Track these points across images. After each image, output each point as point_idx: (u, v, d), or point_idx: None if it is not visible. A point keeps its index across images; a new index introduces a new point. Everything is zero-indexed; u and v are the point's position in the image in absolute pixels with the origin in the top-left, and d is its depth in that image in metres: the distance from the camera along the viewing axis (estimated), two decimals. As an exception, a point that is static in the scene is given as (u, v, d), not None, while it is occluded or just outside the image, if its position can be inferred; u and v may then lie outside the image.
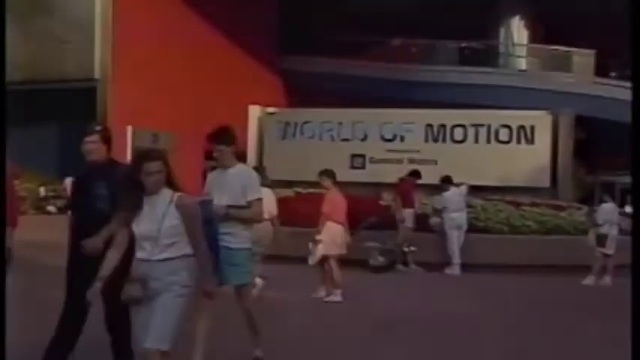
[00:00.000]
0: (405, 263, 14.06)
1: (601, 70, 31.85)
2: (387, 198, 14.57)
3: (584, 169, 27.88)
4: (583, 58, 32.27)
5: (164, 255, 4.60)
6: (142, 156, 4.73)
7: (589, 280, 12.92)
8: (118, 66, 28.51)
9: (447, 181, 14.63)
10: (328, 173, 11.08)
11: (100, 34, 28.92)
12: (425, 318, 9.35)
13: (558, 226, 14.78)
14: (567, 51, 32.67)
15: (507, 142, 18.20)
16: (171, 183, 4.71)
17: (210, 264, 4.99)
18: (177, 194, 4.68)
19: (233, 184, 6.10)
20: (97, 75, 29.09)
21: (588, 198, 27.25)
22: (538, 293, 12.02)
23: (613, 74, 32.50)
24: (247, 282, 6.25)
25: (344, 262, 13.47)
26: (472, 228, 14.31)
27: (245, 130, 19.80)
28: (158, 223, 4.59)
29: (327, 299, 10.40)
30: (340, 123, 19.06)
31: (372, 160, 18.62)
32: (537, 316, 10.15)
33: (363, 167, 18.66)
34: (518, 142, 18.17)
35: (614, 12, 30.90)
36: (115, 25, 28.47)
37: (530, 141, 18.17)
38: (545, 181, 18.09)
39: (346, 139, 18.94)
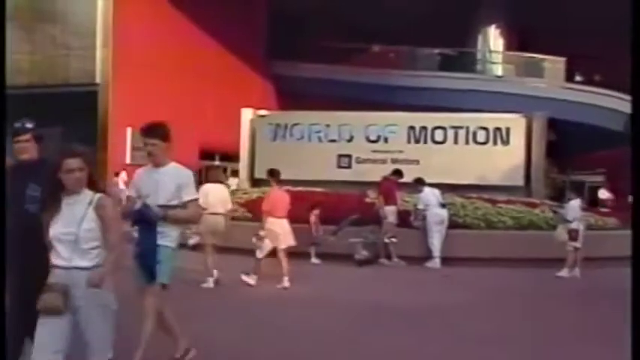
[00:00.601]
0: (389, 257, 14.02)
1: (570, 76, 32.00)
2: (371, 196, 14.55)
3: (556, 169, 28.00)
4: (554, 64, 32.42)
5: (84, 263, 4.06)
6: (62, 153, 4.24)
7: (563, 272, 12.91)
8: (118, 71, 28.46)
9: (419, 182, 14.64)
10: (272, 172, 11.43)
11: (101, 41, 28.92)
12: (407, 307, 9.31)
13: (532, 222, 14.79)
14: (539, 58, 32.79)
15: (484, 144, 18.17)
16: (93, 183, 4.22)
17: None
18: (98, 195, 4.18)
19: (166, 183, 5.48)
20: (98, 79, 29.08)
21: (559, 196, 27.35)
22: (513, 284, 12.03)
23: (578, 79, 32.62)
24: (166, 282, 5.49)
25: (332, 256, 13.52)
26: (452, 224, 14.31)
27: (238, 132, 19.71)
28: (75, 225, 4.06)
29: (278, 286, 10.53)
30: (328, 125, 18.98)
31: (358, 160, 18.55)
32: (513, 304, 10.19)
33: (349, 167, 18.60)
34: (495, 143, 18.15)
35: (582, 22, 31.00)
36: (115, 33, 28.45)
37: (506, 142, 18.15)
38: (520, 180, 18.08)
39: (333, 141, 18.87)
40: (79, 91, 28.55)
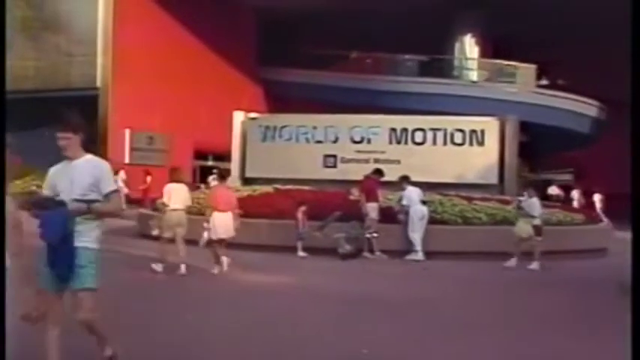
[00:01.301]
0: (371, 251, 14.00)
1: (540, 82, 32.16)
2: (355, 193, 14.51)
3: (527, 168, 28.08)
4: (525, 71, 32.53)
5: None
6: None
7: (535, 265, 12.92)
8: (117, 77, 28.40)
9: (405, 180, 14.62)
10: (220, 173, 12.27)
11: (102, 48, 28.94)
12: (388, 297, 9.29)
13: (505, 217, 14.79)
14: (511, 65, 32.89)
15: (461, 145, 18.17)
16: None
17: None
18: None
19: (82, 176, 4.81)
20: (98, 84, 29.09)
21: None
22: (488, 276, 12.06)
23: (547, 84, 32.76)
24: (92, 286, 4.75)
25: (318, 250, 13.48)
26: (431, 220, 14.28)
27: (230, 133, 19.65)
28: None
29: (213, 271, 10.96)
30: (314, 127, 18.91)
31: (343, 160, 18.49)
32: (487, 294, 10.22)
33: (334, 166, 18.53)
34: (471, 144, 18.15)
35: (552, 32, 31.14)
36: (115, 42, 28.45)
37: (481, 143, 18.16)
38: (494, 179, 18.10)
39: (319, 141, 18.80)
40: (80, 95, 28.63)
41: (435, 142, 18.29)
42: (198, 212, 12.63)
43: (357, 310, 8.51)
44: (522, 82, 32.20)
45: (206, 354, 6.16)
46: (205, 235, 11.17)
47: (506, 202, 15.67)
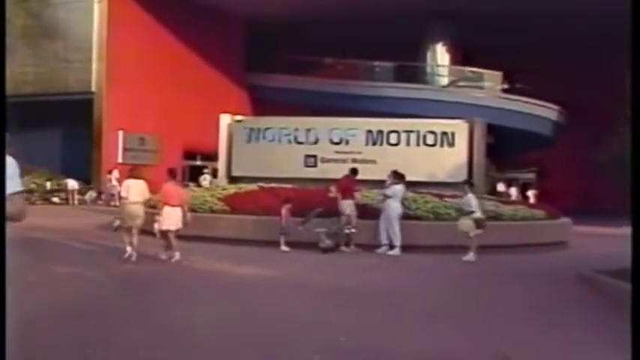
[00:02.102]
0: (347, 244, 14.00)
1: (506, 87, 32.36)
2: (334, 191, 14.50)
3: (494, 168, 28.27)
4: (491, 77, 32.73)
5: None
6: None
7: (469, 257, 12.81)
8: (112, 81, 28.34)
9: (396, 175, 14.37)
10: (170, 171, 12.70)
11: (97, 55, 28.94)
12: (364, 287, 9.32)
13: (473, 213, 14.85)
14: (479, 72, 33.08)
15: (433, 145, 18.23)
16: None
17: None
18: None
19: None
20: (93, 89, 29.04)
21: (496, 190, 27.69)
22: (459, 267, 12.13)
23: (513, 89, 32.92)
24: None
25: (300, 244, 13.46)
26: (405, 216, 14.27)
27: (217, 135, 19.59)
28: None
29: (164, 256, 11.38)
30: (296, 129, 18.88)
31: (323, 160, 18.48)
32: (457, 284, 10.29)
33: (315, 166, 18.52)
34: (442, 145, 18.21)
35: (517, 41, 31.36)
36: (109, 49, 28.41)
37: (451, 144, 18.23)
38: (463, 177, 18.11)
39: (301, 143, 18.77)
40: (77, 99, 28.64)
41: (408, 143, 18.33)
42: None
43: (335, 298, 8.52)
44: (489, 87, 32.45)
45: (188, 343, 6.15)
46: (156, 226, 11.76)
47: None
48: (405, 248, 13.67)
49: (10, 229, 3.04)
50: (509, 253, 13.46)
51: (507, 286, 10.15)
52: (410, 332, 6.80)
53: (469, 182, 14.42)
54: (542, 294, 9.46)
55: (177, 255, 11.36)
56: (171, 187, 11.90)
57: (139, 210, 11.52)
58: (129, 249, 11.37)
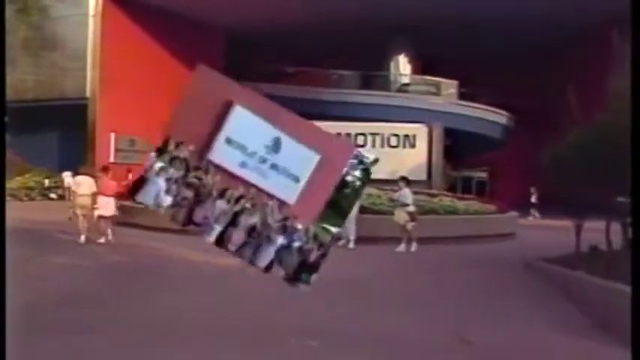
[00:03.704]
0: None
1: (461, 95, 32.56)
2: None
3: (450, 167, 28.49)
4: (448, 85, 32.96)
5: None
6: None
7: (401, 248, 12.65)
8: (104, 87, 28.39)
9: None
10: (103, 168, 13.72)
11: (91, 63, 29.33)
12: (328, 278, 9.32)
13: (432, 209, 15.01)
14: (437, 80, 33.30)
15: (396, 147, 18.42)
16: None
17: None
18: None
19: None
20: (88, 94, 29.40)
21: (452, 187, 27.92)
22: (418, 257, 12.20)
23: (460, 93, 33.06)
24: None
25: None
26: (370, 211, 14.21)
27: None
28: None
29: (99, 241, 12.40)
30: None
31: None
32: (415, 273, 10.34)
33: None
34: (404, 146, 18.41)
35: (471, 53, 31.68)
36: (102, 58, 28.57)
37: (413, 146, 18.43)
38: (423, 176, 18.38)
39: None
40: (73, 104, 28.95)
41: (374, 145, 18.49)
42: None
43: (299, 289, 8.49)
44: (446, 94, 32.61)
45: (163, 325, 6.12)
46: (95, 213, 12.69)
47: (433, 196, 15.87)
48: (367, 240, 13.29)
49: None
50: (463, 243, 13.59)
51: (461, 274, 10.24)
52: (371, 316, 6.84)
53: (405, 178, 13.95)
54: (494, 280, 9.59)
55: (110, 235, 12.52)
56: (105, 182, 12.96)
57: (87, 201, 12.66)
58: (83, 238, 12.33)
